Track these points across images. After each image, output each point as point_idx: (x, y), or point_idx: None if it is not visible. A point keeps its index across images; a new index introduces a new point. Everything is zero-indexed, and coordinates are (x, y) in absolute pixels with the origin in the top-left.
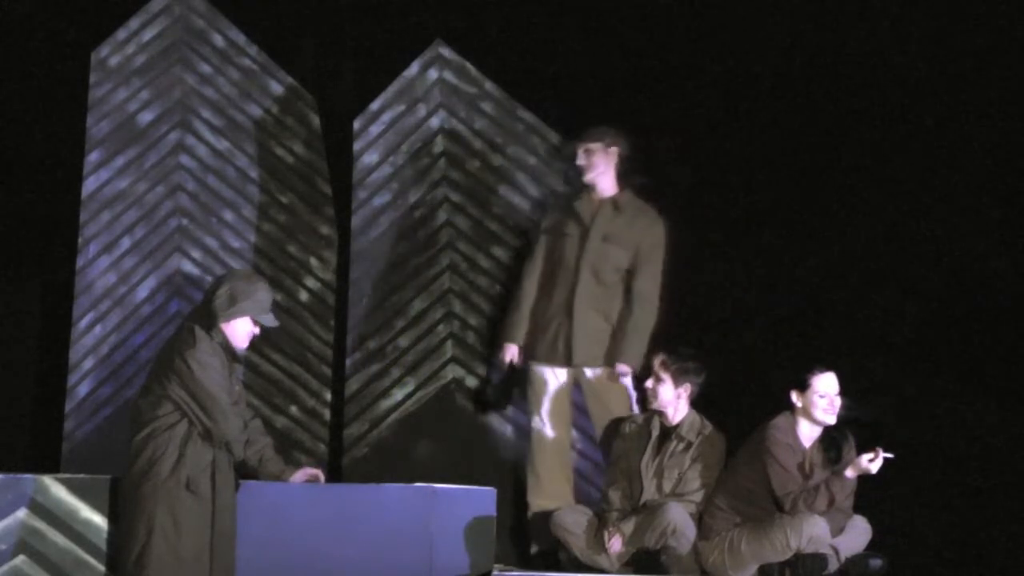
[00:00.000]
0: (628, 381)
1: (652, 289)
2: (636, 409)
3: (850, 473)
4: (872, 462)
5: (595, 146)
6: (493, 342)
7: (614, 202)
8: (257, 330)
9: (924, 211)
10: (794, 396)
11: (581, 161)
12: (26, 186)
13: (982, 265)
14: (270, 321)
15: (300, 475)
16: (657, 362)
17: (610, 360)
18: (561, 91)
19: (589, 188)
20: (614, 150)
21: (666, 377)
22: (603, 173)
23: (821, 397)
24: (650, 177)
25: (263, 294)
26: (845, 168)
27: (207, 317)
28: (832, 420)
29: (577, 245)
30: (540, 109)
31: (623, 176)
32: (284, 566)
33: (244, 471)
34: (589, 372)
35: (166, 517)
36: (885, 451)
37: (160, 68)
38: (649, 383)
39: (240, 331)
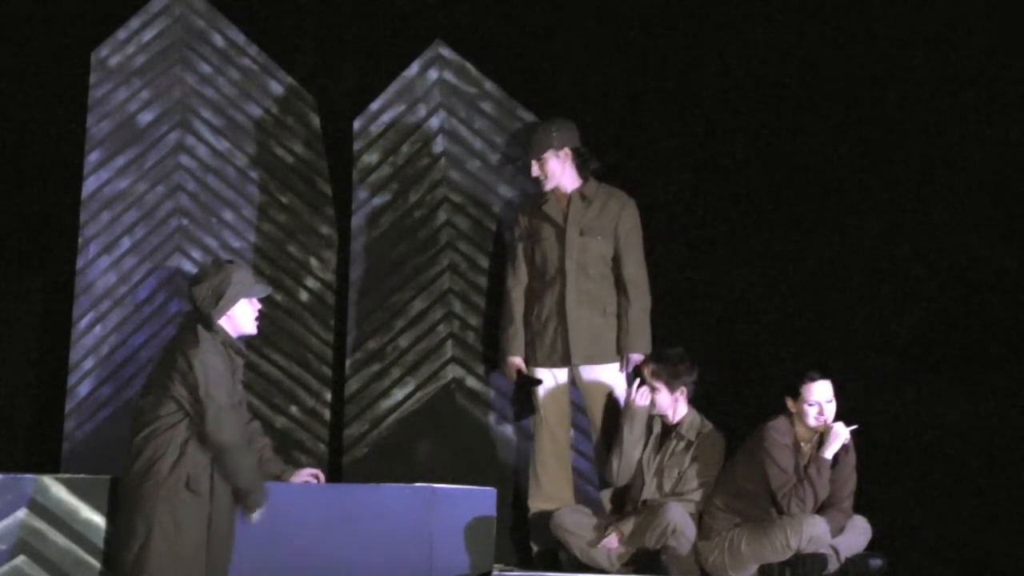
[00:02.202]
0: (623, 382)
1: (640, 272)
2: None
3: (826, 453)
4: (837, 430)
5: (546, 155)
6: (493, 342)
7: (581, 195)
8: (258, 304)
9: (924, 211)
10: (789, 402)
11: (536, 173)
12: (26, 186)
13: (982, 265)
14: (263, 291)
15: (300, 475)
16: (648, 372)
17: (620, 352)
18: (561, 91)
19: (554, 188)
20: (565, 150)
21: (660, 386)
22: (563, 175)
23: (811, 406)
24: (651, 175)
25: (239, 274)
26: (845, 168)
27: (203, 319)
28: (818, 424)
29: (557, 246)
30: (540, 109)
31: (581, 167)
32: (284, 566)
33: None
34: (585, 373)
35: (167, 516)
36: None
37: (160, 68)
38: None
39: (242, 317)
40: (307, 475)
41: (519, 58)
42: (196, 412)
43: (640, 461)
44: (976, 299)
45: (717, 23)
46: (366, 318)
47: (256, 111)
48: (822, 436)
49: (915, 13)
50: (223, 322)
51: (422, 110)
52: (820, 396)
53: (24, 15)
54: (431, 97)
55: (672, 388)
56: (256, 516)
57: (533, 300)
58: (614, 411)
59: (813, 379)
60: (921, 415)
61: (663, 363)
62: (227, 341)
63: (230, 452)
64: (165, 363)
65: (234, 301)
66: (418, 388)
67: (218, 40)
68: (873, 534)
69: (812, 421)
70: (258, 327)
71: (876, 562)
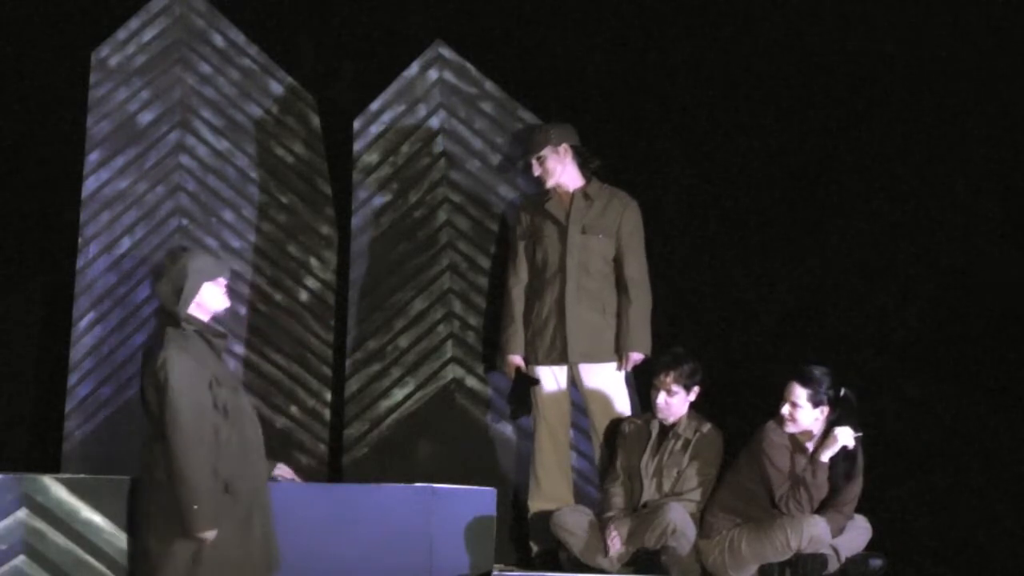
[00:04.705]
0: (623, 381)
1: (641, 272)
2: (629, 408)
3: (823, 456)
4: (837, 435)
5: (544, 152)
6: (493, 342)
7: (584, 193)
8: (224, 283)
9: (924, 211)
10: None
11: (537, 172)
12: (26, 186)
13: (982, 265)
14: (223, 270)
15: (281, 471)
16: (668, 379)
17: (619, 351)
18: (561, 91)
19: (556, 186)
20: (564, 147)
21: (679, 390)
22: (563, 172)
23: (783, 403)
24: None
25: (195, 261)
26: (845, 168)
27: (170, 316)
28: (791, 428)
29: (558, 244)
30: (540, 109)
31: (583, 165)
32: (284, 566)
33: None
34: (584, 372)
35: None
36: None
37: (160, 68)
38: (662, 399)
39: (211, 299)
40: (287, 474)
41: (519, 58)
42: (161, 415)
43: (638, 466)
44: (975, 299)
45: (717, 22)
46: (366, 318)
47: (256, 111)
48: (823, 437)
49: (916, 12)
50: (193, 310)
51: (422, 110)
52: (787, 395)
53: (24, 15)
54: (431, 97)
55: (689, 389)
56: (207, 536)
57: (533, 298)
58: (614, 408)
59: (787, 380)
60: (921, 415)
61: (678, 366)
62: (201, 328)
63: (184, 474)
64: (144, 368)
65: (196, 290)
66: (418, 388)
67: (218, 40)
68: (873, 534)
69: (783, 419)
70: (257, 326)
71: (876, 562)
